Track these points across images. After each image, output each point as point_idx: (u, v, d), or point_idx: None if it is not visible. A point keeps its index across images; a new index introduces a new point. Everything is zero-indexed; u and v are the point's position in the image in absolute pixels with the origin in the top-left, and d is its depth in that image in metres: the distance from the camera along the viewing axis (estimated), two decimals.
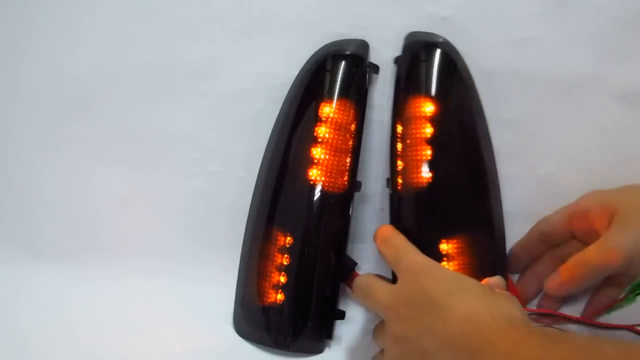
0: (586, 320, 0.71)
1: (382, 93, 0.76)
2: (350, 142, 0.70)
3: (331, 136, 0.69)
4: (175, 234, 0.82)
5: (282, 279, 0.69)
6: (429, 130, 0.68)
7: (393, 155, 0.70)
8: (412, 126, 0.68)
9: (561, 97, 0.75)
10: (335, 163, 0.69)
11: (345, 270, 0.71)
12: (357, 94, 0.71)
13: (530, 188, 0.76)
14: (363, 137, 0.72)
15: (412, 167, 0.68)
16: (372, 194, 0.79)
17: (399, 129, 0.70)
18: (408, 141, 0.69)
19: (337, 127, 0.69)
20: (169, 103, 0.78)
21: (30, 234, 0.83)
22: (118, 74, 0.78)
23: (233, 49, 0.76)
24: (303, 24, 0.74)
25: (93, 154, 0.80)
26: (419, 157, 0.68)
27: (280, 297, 0.69)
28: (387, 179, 0.71)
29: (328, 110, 0.69)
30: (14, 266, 0.81)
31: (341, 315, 0.71)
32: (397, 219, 0.70)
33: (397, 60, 0.73)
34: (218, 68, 0.77)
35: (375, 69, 0.74)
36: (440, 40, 0.71)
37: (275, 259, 0.69)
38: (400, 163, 0.69)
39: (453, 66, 0.70)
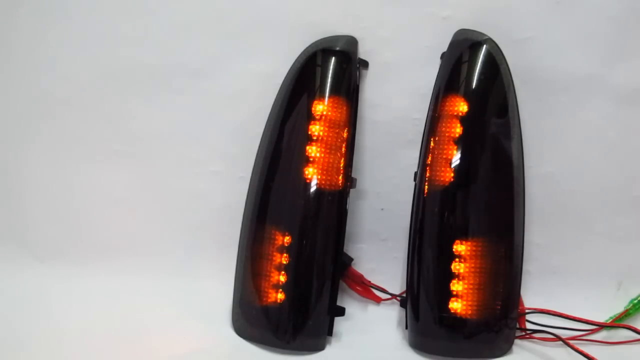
0: (585, 320, 0.71)
1: (376, 91, 0.76)
2: (344, 139, 0.70)
3: (325, 134, 0.69)
4: (175, 233, 0.82)
5: (282, 278, 0.69)
6: (458, 130, 0.68)
7: (424, 150, 0.70)
8: (443, 124, 0.69)
9: (561, 97, 0.75)
10: (330, 160, 0.69)
11: (341, 266, 0.72)
12: (348, 90, 0.71)
13: (530, 188, 0.76)
14: (361, 137, 0.72)
15: (438, 164, 0.69)
16: (373, 194, 0.79)
17: (432, 125, 0.70)
18: (437, 138, 0.69)
19: (331, 124, 0.70)
20: (169, 103, 0.78)
21: (30, 233, 0.83)
22: (118, 74, 0.78)
23: (233, 49, 0.76)
24: (304, 24, 0.74)
25: (92, 154, 0.80)
26: (445, 155, 0.68)
27: (280, 296, 0.69)
28: (415, 173, 0.71)
29: (321, 108, 0.70)
30: (12, 265, 0.81)
31: (341, 311, 0.71)
32: (418, 213, 0.70)
33: (443, 56, 0.73)
34: (218, 68, 0.77)
35: (365, 64, 0.74)
36: (487, 42, 0.70)
37: (274, 258, 0.69)
38: (429, 158, 0.69)
39: (494, 70, 0.70)
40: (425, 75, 0.74)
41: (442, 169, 0.68)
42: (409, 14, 0.73)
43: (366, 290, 0.78)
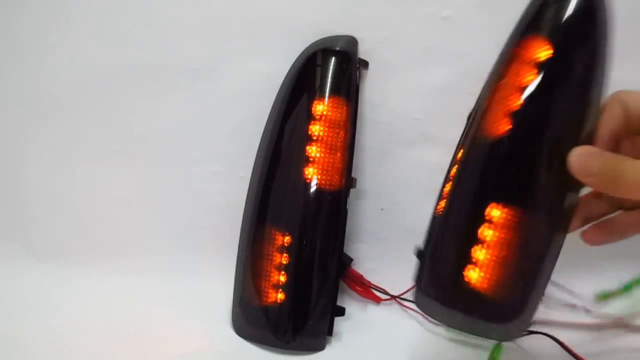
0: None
1: (376, 91, 0.76)
2: (344, 139, 0.71)
3: (325, 134, 0.70)
4: (175, 234, 0.82)
5: (282, 278, 0.69)
6: (531, 77, 0.56)
7: (486, 93, 0.60)
8: (515, 68, 0.58)
9: None
10: (330, 160, 0.70)
11: (341, 266, 0.72)
12: (348, 90, 0.71)
13: None
14: (361, 137, 0.72)
15: (496, 111, 0.58)
16: (373, 194, 0.79)
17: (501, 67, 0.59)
18: (503, 82, 0.58)
19: (331, 124, 0.70)
20: (169, 103, 0.79)
21: (29, 233, 0.83)
22: (118, 73, 0.78)
23: (233, 49, 0.76)
24: (304, 24, 0.74)
25: (92, 154, 0.81)
26: (508, 102, 0.57)
27: (280, 296, 0.69)
28: (470, 113, 0.61)
29: (321, 108, 0.70)
30: (12, 265, 0.82)
31: (341, 311, 0.71)
32: (462, 162, 0.60)
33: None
34: (218, 68, 0.77)
35: (365, 64, 0.74)
36: None
37: (274, 258, 0.69)
38: (487, 102, 0.59)
39: (589, 15, 0.57)
40: (426, 75, 0.74)
41: (500, 117, 0.57)
42: (408, 13, 0.73)
43: (366, 291, 0.78)
